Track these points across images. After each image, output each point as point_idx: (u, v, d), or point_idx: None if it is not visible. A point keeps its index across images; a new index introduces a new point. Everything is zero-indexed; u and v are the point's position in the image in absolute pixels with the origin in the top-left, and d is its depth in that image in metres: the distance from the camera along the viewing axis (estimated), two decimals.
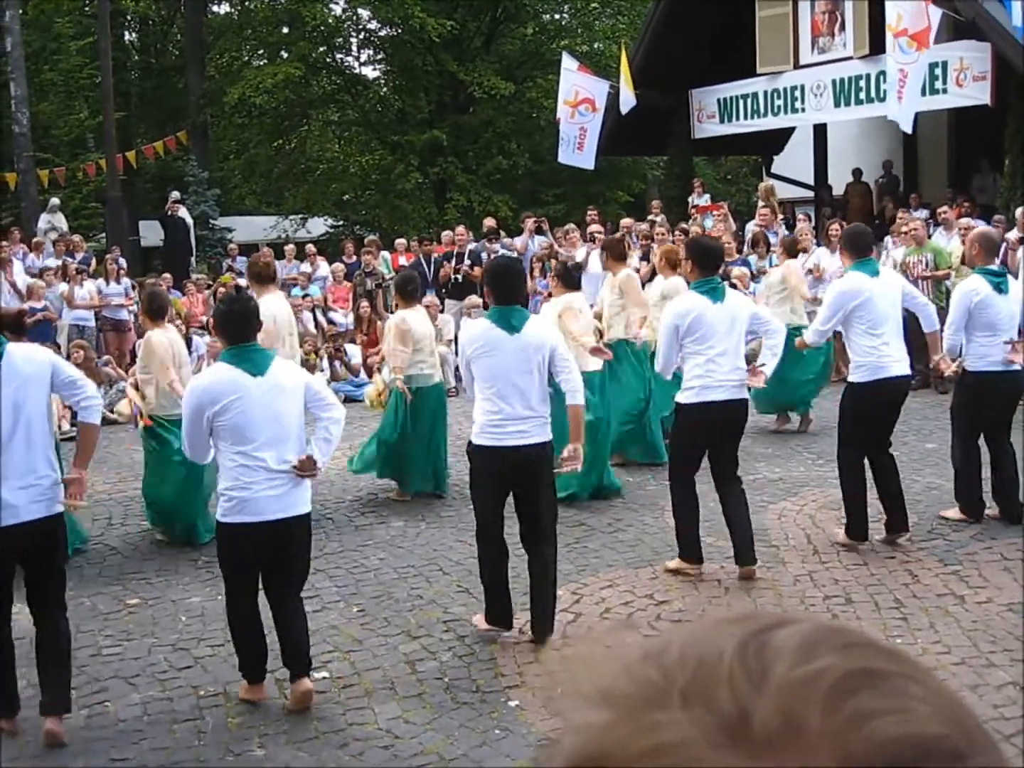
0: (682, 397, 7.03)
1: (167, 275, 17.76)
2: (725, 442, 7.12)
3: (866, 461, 7.54)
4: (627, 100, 18.08)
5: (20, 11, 24.66)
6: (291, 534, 5.46)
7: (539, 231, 17.43)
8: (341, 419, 5.70)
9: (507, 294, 6.15)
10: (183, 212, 22.42)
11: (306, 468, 5.43)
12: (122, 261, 17.57)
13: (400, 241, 19.37)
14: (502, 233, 17.83)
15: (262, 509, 5.35)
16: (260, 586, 5.61)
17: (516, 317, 6.05)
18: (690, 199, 19.52)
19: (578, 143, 18.55)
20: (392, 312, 15.65)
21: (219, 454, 5.47)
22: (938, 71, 15.38)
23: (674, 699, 0.63)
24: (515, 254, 16.24)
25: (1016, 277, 11.45)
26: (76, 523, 8.18)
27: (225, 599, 5.77)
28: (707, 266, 7.09)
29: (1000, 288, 7.81)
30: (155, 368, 8.26)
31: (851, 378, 7.51)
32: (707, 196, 19.92)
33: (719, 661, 0.64)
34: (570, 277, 9.07)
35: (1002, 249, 12.37)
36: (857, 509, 7.45)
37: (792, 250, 11.86)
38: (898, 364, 7.37)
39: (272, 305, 8.43)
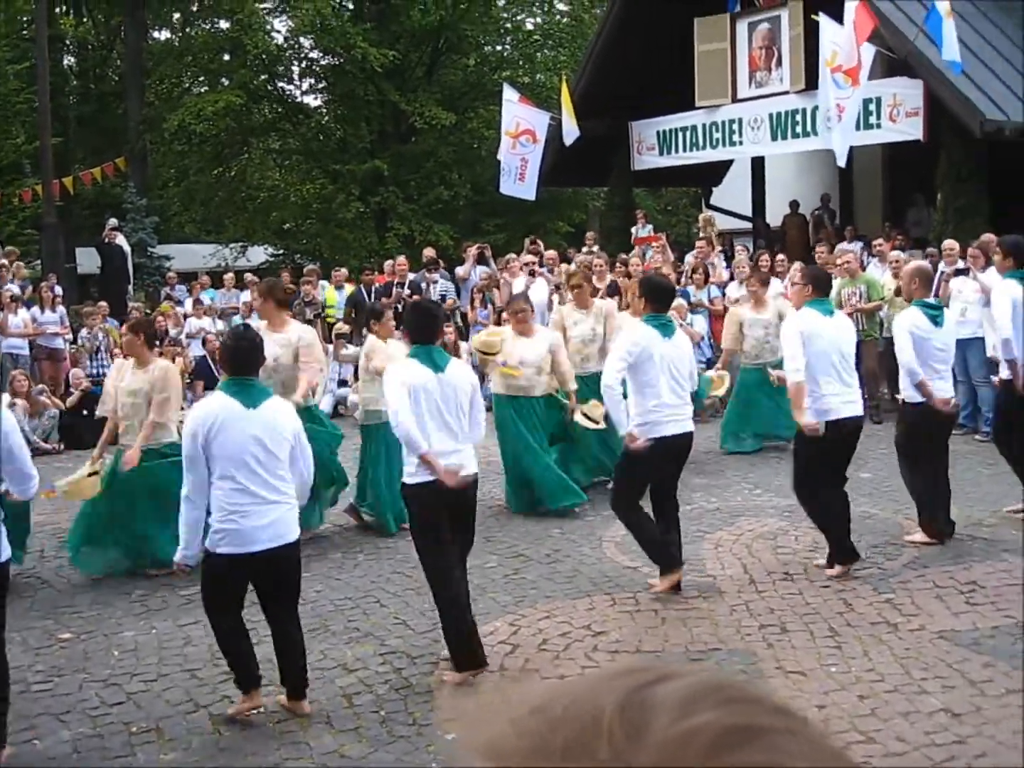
0: (633, 433, 7.13)
1: (103, 303, 17.56)
2: (671, 473, 7.35)
3: None
4: (570, 131, 18.20)
5: None
6: (279, 562, 5.59)
7: (482, 260, 17.45)
8: (310, 481, 5.89)
9: (427, 334, 6.31)
10: (121, 239, 22.18)
11: None
12: (58, 289, 17.35)
13: (341, 271, 19.34)
14: (441, 263, 17.82)
15: (251, 539, 5.46)
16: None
17: (440, 356, 6.23)
18: (633, 230, 19.67)
19: (519, 174, 18.62)
20: (332, 342, 15.64)
21: (211, 486, 5.55)
22: (872, 107, 15.68)
23: (556, 753, 0.64)
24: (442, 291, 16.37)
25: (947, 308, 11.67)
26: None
27: (211, 622, 5.76)
28: (659, 302, 7.27)
29: (936, 321, 7.98)
30: (171, 398, 8.22)
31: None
32: (650, 227, 20.07)
33: (600, 716, 0.65)
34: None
35: (935, 281, 12.60)
36: (837, 534, 7.52)
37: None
38: (848, 406, 7.46)
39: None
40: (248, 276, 19.56)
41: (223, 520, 5.47)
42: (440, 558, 6.08)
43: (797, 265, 14.26)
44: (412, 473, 6.11)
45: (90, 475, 8.41)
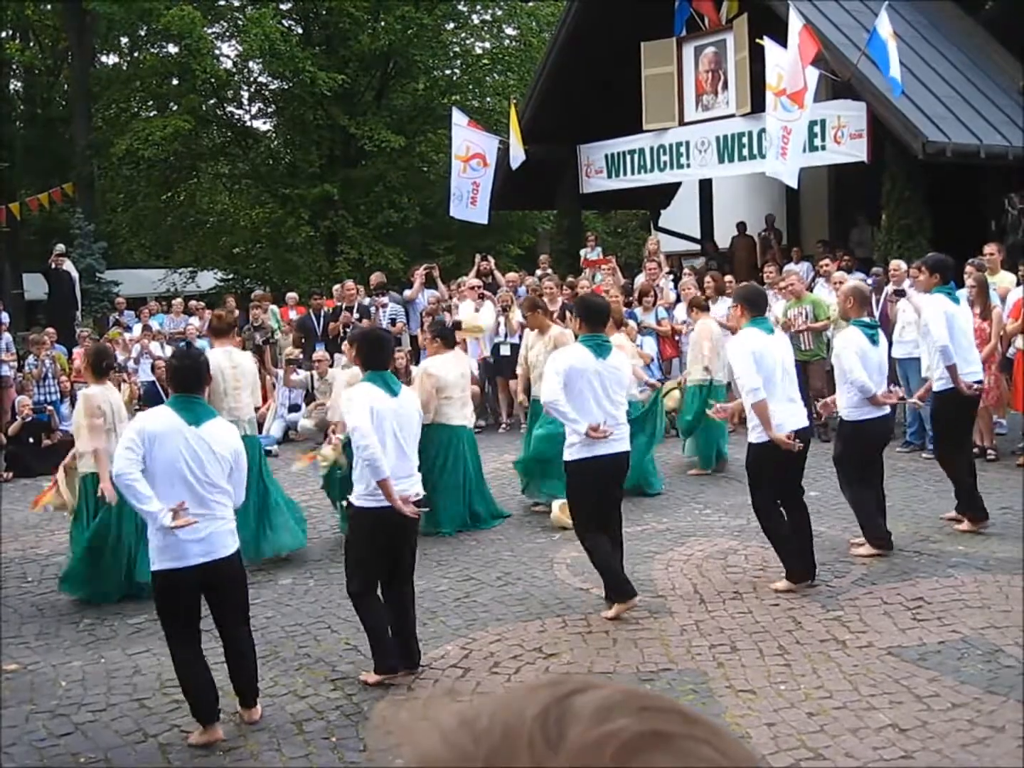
0: (568, 455, 7.20)
1: (51, 329, 17.40)
2: (611, 491, 7.36)
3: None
4: (516, 156, 18.31)
5: None
6: (218, 576, 5.69)
7: (430, 281, 17.45)
8: (240, 501, 5.99)
9: (380, 362, 6.48)
10: (68, 265, 22.00)
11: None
12: (4, 315, 17.19)
13: (291, 295, 19.28)
14: (388, 288, 17.78)
15: (184, 553, 5.55)
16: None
17: (393, 381, 6.46)
18: (582, 252, 19.78)
19: (471, 198, 18.68)
20: (281, 367, 15.57)
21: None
22: (817, 128, 15.89)
23: (479, 763, 0.67)
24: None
25: (894, 327, 11.85)
26: None
27: (170, 649, 5.77)
28: (594, 322, 7.30)
29: (873, 339, 8.19)
30: (83, 426, 8.16)
31: (750, 438, 7.64)
32: (599, 250, 20.20)
33: (521, 726, 0.68)
34: (451, 335, 9.93)
35: (881, 301, 12.78)
36: (790, 551, 7.61)
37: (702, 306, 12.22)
38: (793, 419, 7.54)
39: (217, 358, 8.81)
40: (193, 303, 19.43)
41: (159, 533, 5.55)
42: (368, 572, 6.37)
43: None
44: (363, 496, 6.23)
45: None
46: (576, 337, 7.75)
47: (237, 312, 14.90)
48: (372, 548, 6.35)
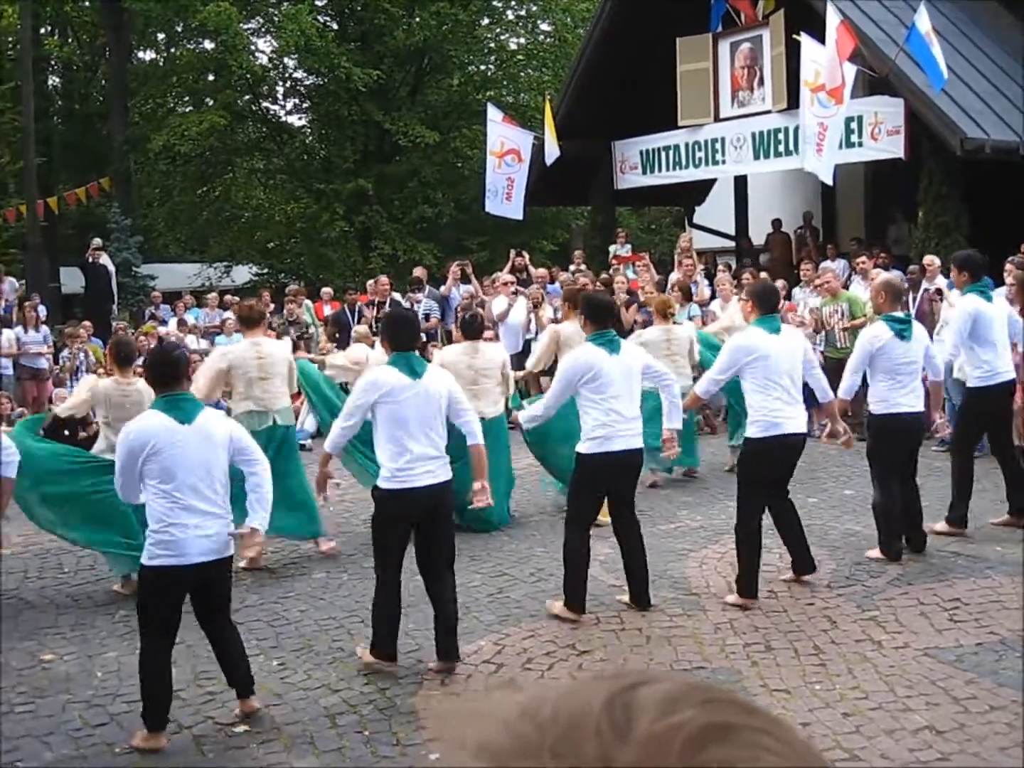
0: (583, 448, 7.14)
1: (87, 323, 17.54)
2: (624, 489, 7.31)
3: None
4: (551, 151, 18.29)
5: None
6: (211, 576, 5.62)
7: (464, 278, 17.48)
8: (268, 475, 5.88)
9: (404, 341, 6.43)
10: (105, 259, 22.17)
11: (249, 541, 5.78)
12: (42, 309, 17.35)
13: (326, 290, 19.35)
14: (424, 282, 17.79)
15: (186, 551, 5.47)
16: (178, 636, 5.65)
17: (417, 363, 6.38)
18: (611, 249, 19.75)
19: (506, 193, 18.68)
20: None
21: (147, 496, 5.60)
22: (854, 125, 15.78)
23: (545, 752, 0.67)
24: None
25: (936, 324, 11.74)
26: None
27: (141, 641, 5.73)
28: (599, 320, 7.23)
29: (902, 335, 8.03)
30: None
31: (747, 433, 7.58)
32: (628, 246, 20.16)
33: (587, 716, 0.68)
34: (470, 327, 9.99)
35: (919, 298, 12.68)
36: (752, 568, 7.48)
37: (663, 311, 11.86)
38: (792, 421, 7.35)
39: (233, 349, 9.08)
40: (227, 297, 19.59)
41: (160, 531, 5.49)
42: (387, 555, 6.37)
43: (779, 283, 14.35)
44: (384, 477, 6.27)
45: None
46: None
47: (270, 303, 14.96)
48: (392, 531, 6.36)
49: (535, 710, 0.71)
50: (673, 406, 7.46)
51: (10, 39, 31.49)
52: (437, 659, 6.40)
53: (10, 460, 5.55)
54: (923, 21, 13.89)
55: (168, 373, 5.74)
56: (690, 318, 15.10)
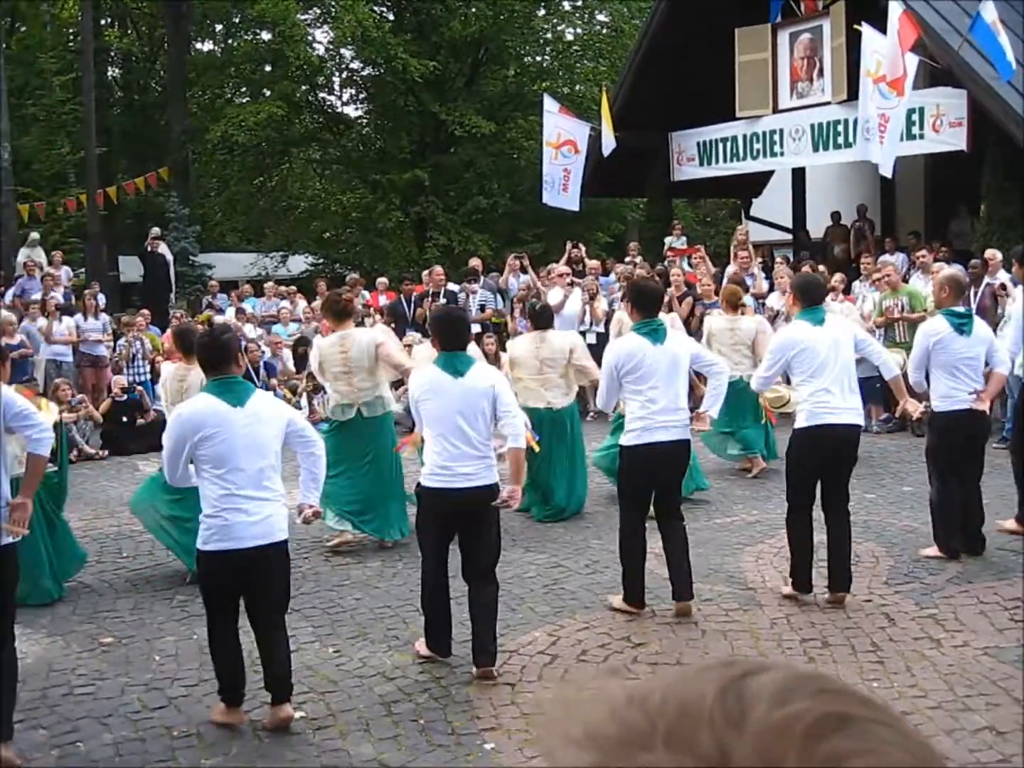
0: (625, 439, 7.10)
1: (145, 311, 17.73)
2: (668, 482, 7.22)
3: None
4: (608, 142, 18.23)
5: (3, 46, 24.72)
6: (269, 561, 5.58)
7: (522, 270, 17.47)
8: (323, 455, 5.90)
9: (452, 340, 6.37)
10: (163, 248, 22.40)
11: (309, 519, 5.92)
12: (101, 297, 17.55)
13: (382, 280, 19.41)
14: (480, 273, 17.78)
15: (240, 535, 5.47)
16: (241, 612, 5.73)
17: (461, 362, 6.27)
18: (667, 241, 19.64)
19: (563, 184, 18.66)
20: None
21: (200, 481, 5.60)
22: (915, 117, 15.58)
23: (657, 741, 0.65)
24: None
25: (1002, 319, 11.56)
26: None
27: (207, 625, 5.79)
28: (646, 308, 7.12)
29: (962, 330, 7.89)
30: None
31: (795, 425, 7.45)
32: (684, 239, 20.04)
33: (700, 705, 0.67)
34: (539, 317, 10.08)
35: (980, 293, 12.50)
36: (801, 559, 7.32)
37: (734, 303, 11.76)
38: (840, 412, 7.16)
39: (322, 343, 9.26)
40: (281, 287, 19.74)
41: (213, 515, 5.49)
42: (429, 553, 6.42)
43: (838, 276, 14.21)
44: (425, 475, 6.27)
45: None
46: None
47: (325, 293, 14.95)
48: (430, 529, 6.36)
49: (643, 698, 0.69)
50: (716, 395, 7.32)
51: (71, 31, 31.91)
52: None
53: (41, 437, 5.56)
54: (989, 11, 13.68)
55: (217, 356, 5.67)
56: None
